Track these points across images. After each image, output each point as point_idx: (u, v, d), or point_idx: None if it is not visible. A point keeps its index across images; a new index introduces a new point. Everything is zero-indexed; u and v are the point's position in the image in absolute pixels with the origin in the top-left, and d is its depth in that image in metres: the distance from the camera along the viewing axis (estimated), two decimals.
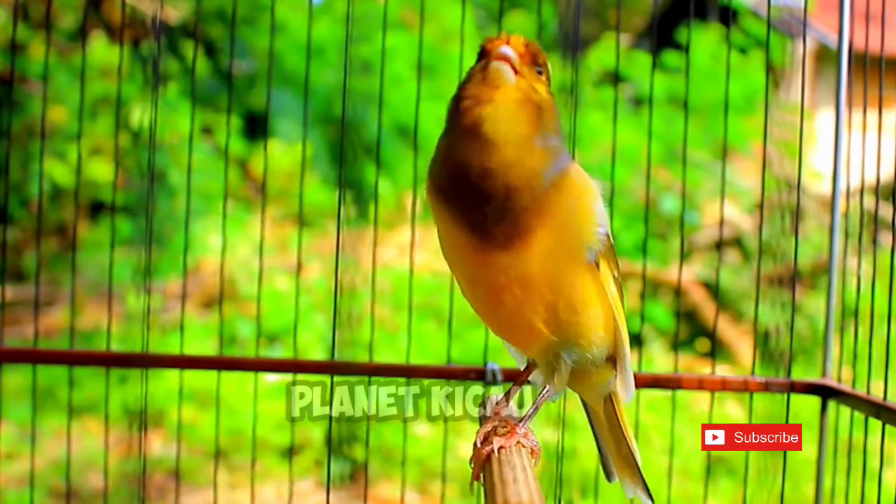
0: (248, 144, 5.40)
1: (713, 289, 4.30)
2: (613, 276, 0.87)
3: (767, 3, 1.41)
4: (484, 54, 0.80)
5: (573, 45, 1.30)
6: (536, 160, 0.77)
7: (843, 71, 1.33)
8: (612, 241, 0.88)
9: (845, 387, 1.26)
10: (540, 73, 0.81)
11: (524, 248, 0.78)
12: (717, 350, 3.20)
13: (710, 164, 4.85)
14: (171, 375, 1.36)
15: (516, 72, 0.78)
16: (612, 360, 0.92)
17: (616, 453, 1.02)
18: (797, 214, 1.33)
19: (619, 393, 0.96)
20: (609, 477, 1.04)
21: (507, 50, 0.78)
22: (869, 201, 2.17)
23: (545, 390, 0.88)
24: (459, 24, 1.42)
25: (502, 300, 0.82)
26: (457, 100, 0.80)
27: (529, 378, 0.94)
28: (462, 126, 0.78)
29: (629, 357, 0.93)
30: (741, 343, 4.02)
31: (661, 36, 5.51)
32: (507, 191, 0.76)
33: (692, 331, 4.21)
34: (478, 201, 0.77)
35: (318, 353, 3.67)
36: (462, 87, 0.80)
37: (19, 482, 2.65)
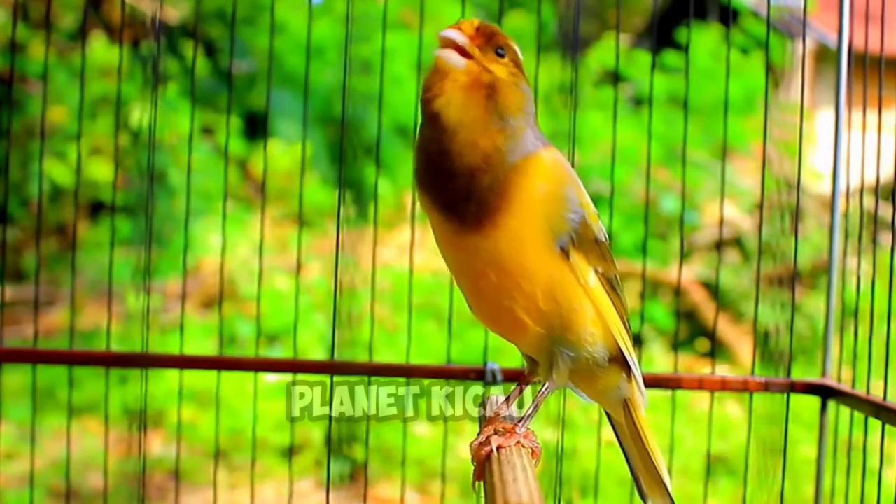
0: (248, 144, 5.40)
1: (713, 289, 4.30)
2: (596, 271, 0.85)
3: (767, 3, 1.40)
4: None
5: (573, 45, 1.30)
6: (495, 140, 0.79)
7: (843, 71, 1.33)
8: (597, 234, 0.86)
9: (845, 387, 1.26)
10: (501, 55, 0.82)
11: (493, 230, 0.79)
12: (717, 350, 3.20)
13: (710, 164, 4.85)
14: (171, 375, 1.36)
15: (467, 55, 0.80)
16: (620, 363, 0.91)
17: (643, 470, 1.00)
18: (797, 214, 1.33)
19: (636, 399, 0.95)
20: (644, 499, 1.01)
21: (448, 33, 0.80)
22: (869, 201, 2.17)
23: (544, 388, 0.87)
24: None
25: (481, 287, 0.83)
26: (421, 91, 0.82)
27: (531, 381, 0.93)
28: (424, 116, 0.81)
29: (636, 361, 0.91)
30: (741, 343, 4.02)
31: (661, 36, 5.51)
32: (469, 170, 0.78)
33: (692, 331, 4.21)
34: (445, 183, 0.80)
35: (318, 353, 3.67)
36: (426, 78, 0.83)
37: (19, 482, 2.65)
